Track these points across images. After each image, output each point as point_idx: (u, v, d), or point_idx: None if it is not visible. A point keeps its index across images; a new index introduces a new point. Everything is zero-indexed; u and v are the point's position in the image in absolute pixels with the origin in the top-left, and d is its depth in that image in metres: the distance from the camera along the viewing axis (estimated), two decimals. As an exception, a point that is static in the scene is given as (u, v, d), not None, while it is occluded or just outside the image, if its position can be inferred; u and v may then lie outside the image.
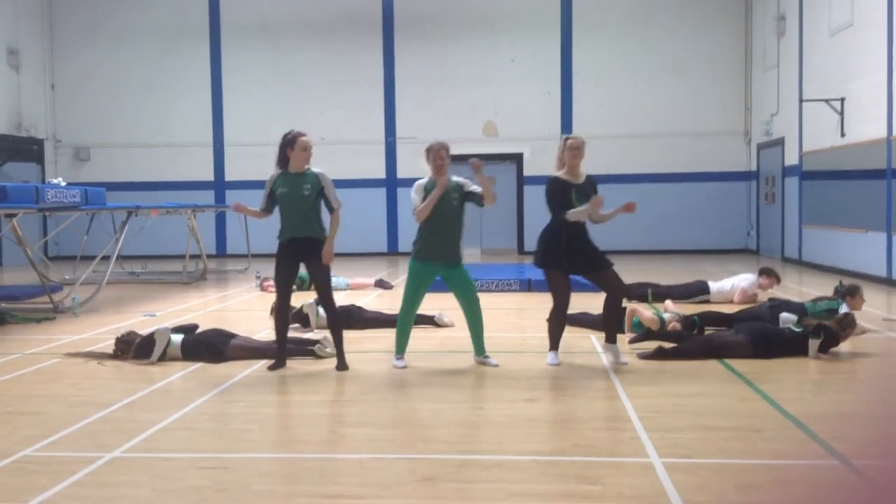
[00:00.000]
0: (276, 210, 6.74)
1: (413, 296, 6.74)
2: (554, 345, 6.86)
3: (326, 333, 7.11)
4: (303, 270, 6.93)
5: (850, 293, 8.15)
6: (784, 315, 7.68)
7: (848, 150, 13.43)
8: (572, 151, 6.63)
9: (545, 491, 3.92)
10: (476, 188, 6.63)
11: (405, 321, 6.81)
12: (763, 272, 10.12)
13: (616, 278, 6.70)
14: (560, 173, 6.69)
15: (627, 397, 5.63)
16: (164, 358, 6.94)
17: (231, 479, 4.13)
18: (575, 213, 6.54)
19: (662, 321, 7.70)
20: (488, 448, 4.60)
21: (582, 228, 6.66)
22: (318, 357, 7.01)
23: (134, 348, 7.03)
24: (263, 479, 4.14)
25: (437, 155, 6.58)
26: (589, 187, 6.65)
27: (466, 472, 4.18)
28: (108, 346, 7.39)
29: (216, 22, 20.05)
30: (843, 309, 7.81)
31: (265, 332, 8.21)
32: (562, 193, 6.60)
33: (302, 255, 6.68)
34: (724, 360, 6.73)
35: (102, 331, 8.69)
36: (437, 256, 6.62)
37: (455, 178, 6.68)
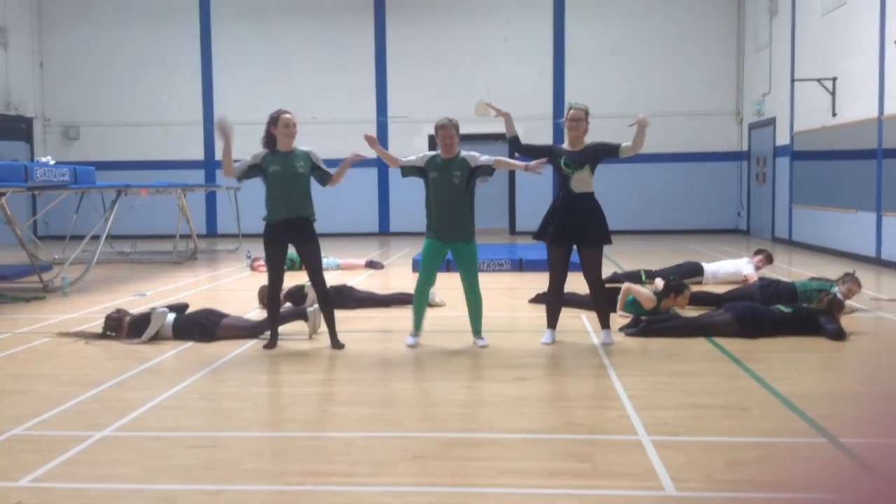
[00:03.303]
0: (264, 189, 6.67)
1: (425, 271, 6.76)
2: (549, 323, 6.82)
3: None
4: (292, 251, 6.88)
5: (848, 281, 8.09)
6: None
7: (839, 129, 13.44)
8: (570, 123, 6.60)
9: (535, 468, 3.93)
10: (484, 161, 6.60)
11: (419, 297, 6.78)
12: (757, 252, 10.25)
13: (593, 261, 6.63)
14: (564, 143, 6.71)
15: (617, 376, 5.65)
16: (154, 337, 6.93)
17: (221, 457, 4.13)
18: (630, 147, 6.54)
19: (659, 300, 7.69)
20: (479, 426, 4.62)
21: (577, 200, 6.54)
22: (308, 323, 7.02)
23: (127, 326, 7.02)
24: (254, 457, 4.15)
25: (446, 133, 6.58)
26: (582, 155, 6.56)
27: (457, 450, 4.20)
28: (99, 325, 7.37)
29: (206, 0, 19.88)
30: (835, 290, 7.83)
31: (255, 311, 8.20)
32: (553, 160, 6.62)
33: (292, 235, 6.62)
34: (712, 339, 6.76)
35: (93, 310, 8.66)
36: (441, 234, 6.64)
37: (463, 153, 6.65)
